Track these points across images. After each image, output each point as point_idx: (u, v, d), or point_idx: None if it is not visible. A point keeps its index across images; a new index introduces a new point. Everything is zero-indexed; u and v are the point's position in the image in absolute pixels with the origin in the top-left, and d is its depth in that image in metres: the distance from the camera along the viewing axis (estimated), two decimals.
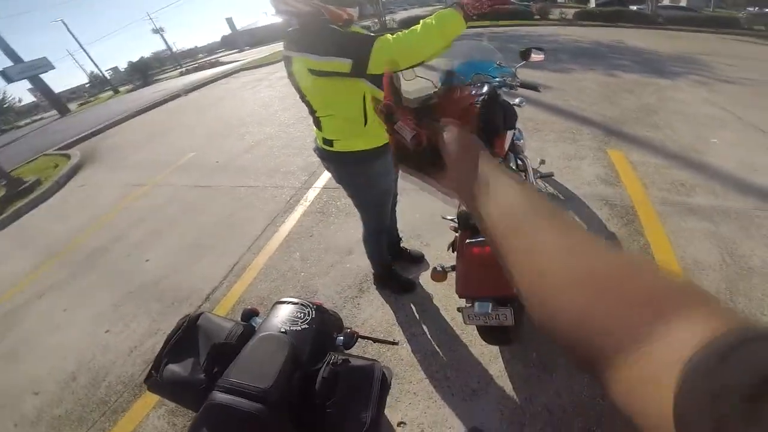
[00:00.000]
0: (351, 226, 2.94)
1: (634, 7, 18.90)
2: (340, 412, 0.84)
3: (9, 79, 22.88)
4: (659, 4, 17.35)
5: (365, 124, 1.54)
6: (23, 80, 24.04)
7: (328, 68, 1.37)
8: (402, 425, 1.63)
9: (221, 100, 9.91)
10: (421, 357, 1.89)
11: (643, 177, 2.95)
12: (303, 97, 1.59)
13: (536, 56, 2.14)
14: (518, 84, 2.09)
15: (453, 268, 1.62)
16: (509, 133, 2.10)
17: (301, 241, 2.98)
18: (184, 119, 8.76)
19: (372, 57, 1.30)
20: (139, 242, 3.67)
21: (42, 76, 23.99)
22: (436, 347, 1.92)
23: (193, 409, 0.88)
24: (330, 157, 1.69)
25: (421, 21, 1.32)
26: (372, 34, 1.36)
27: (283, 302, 1.07)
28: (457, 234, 1.68)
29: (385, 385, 0.90)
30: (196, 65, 29.98)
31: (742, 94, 4.93)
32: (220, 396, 0.80)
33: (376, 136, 1.60)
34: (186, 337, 1.06)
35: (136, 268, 3.27)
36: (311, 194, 3.62)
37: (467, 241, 1.47)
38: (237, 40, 46.56)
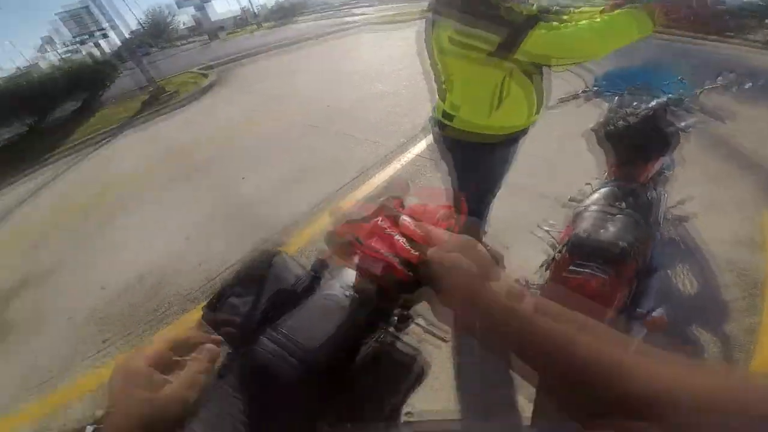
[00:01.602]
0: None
1: None
2: (367, 391, 0.78)
3: (180, 5, 26.78)
4: None
5: (497, 107, 1.39)
6: (190, 7, 27.85)
7: (471, 41, 1.23)
8: (409, 415, 1.54)
9: (347, 50, 10.17)
10: (460, 359, 1.77)
11: None
12: (434, 65, 1.48)
13: (735, 85, 1.61)
14: (696, 107, 1.69)
15: (538, 288, 1.41)
16: (661, 160, 1.75)
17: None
18: (310, 62, 9.19)
19: (527, 42, 1.16)
20: (243, 163, 4.07)
21: (205, 5, 27.66)
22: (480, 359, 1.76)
23: (234, 346, 0.88)
24: (446, 131, 1.57)
25: (600, 16, 1.17)
26: (534, 15, 1.18)
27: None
28: (555, 254, 1.46)
29: (419, 380, 0.83)
30: (332, 12, 31.15)
31: None
32: (265, 343, 0.78)
33: (503, 122, 1.46)
34: (256, 273, 1.06)
35: (233, 185, 3.63)
36: (406, 158, 3.56)
37: (571, 267, 1.25)
38: None
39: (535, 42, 1.15)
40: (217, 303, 1.00)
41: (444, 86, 1.50)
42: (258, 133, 4.80)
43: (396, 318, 0.96)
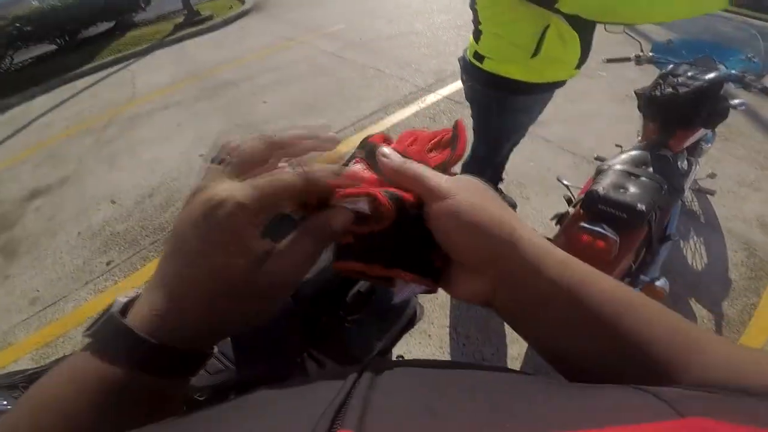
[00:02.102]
0: None
1: None
2: (356, 331, 0.81)
3: None
4: None
5: (533, 55, 1.29)
6: None
7: None
8: (400, 358, 1.65)
9: None
10: (456, 307, 1.82)
11: None
12: (473, 5, 1.38)
13: None
14: (759, 87, 1.56)
15: (548, 240, 1.44)
16: (701, 132, 1.67)
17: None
18: None
19: None
20: (266, 86, 4.00)
21: None
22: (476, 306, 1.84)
23: None
24: (475, 72, 1.48)
25: None
26: None
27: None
28: (570, 209, 1.45)
29: (411, 322, 0.85)
30: None
31: None
32: None
33: (540, 71, 1.36)
34: None
35: (253, 106, 3.64)
36: (431, 98, 3.45)
37: (582, 224, 1.23)
38: None
39: None
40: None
41: (480, 27, 1.40)
42: (286, 60, 4.70)
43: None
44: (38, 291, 2.32)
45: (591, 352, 0.26)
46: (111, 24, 7.50)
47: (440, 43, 4.83)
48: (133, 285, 2.20)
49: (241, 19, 7.13)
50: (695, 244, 2.15)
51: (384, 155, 0.30)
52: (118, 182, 3.02)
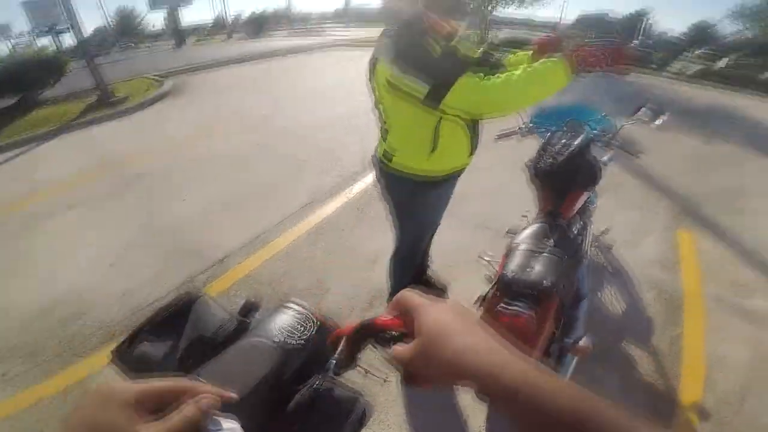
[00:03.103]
0: (385, 235, 2.77)
1: None
2: None
3: (154, 6, 25.82)
4: None
5: (432, 150, 1.43)
6: (163, 8, 26.98)
7: (404, 87, 1.27)
8: None
9: (310, 70, 10.27)
10: (409, 393, 1.77)
11: (705, 268, 2.64)
12: (377, 104, 1.51)
13: (649, 117, 1.87)
14: (618, 144, 1.85)
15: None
16: (585, 194, 1.87)
17: (330, 233, 2.91)
18: (271, 79, 9.11)
19: (452, 92, 1.18)
20: (185, 181, 3.81)
21: (179, 8, 26.86)
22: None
23: None
24: (386, 171, 1.59)
25: (522, 68, 1.19)
26: (460, 67, 1.20)
27: (288, 308, 0.99)
28: (490, 290, 1.52)
29: (361, 422, 0.81)
30: (305, 30, 31.45)
31: None
32: None
33: (441, 163, 1.50)
34: (176, 316, 0.99)
35: (170, 205, 3.38)
36: (357, 187, 3.54)
37: (500, 305, 1.31)
38: (347, 16, 47.70)
39: (463, 89, 1.18)
40: (128, 348, 0.93)
41: (385, 126, 1.54)
42: (205, 150, 4.57)
43: (334, 362, 0.94)
44: None
45: None
46: (13, 100, 6.89)
47: (364, 130, 5.06)
48: (32, 399, 1.87)
49: (158, 103, 6.94)
50: (611, 294, 2.36)
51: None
52: (11, 293, 2.59)
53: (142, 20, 46.65)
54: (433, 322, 0.38)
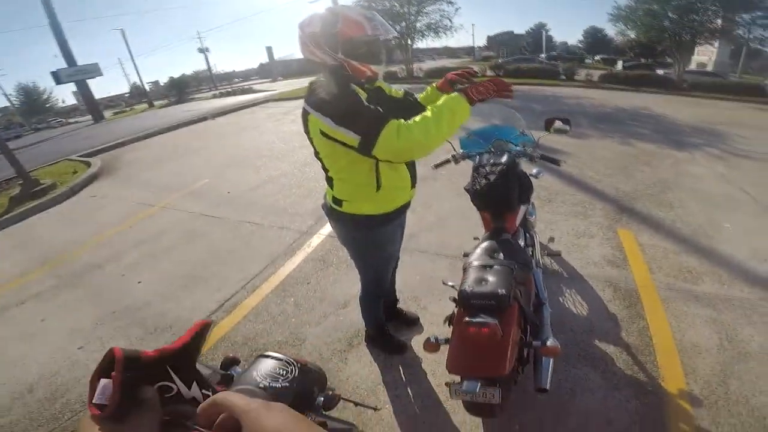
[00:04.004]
0: (350, 279, 2.88)
1: (661, 71, 18.96)
2: None
3: (59, 81, 24.13)
4: (686, 69, 17.15)
5: (377, 189, 1.52)
6: (71, 83, 25.28)
7: (338, 137, 1.31)
8: None
9: (244, 129, 10.27)
10: (402, 420, 1.81)
11: (651, 261, 2.91)
12: (316, 154, 1.54)
13: (560, 127, 2.11)
14: (539, 156, 2.08)
15: (446, 341, 1.56)
16: (522, 208, 2.07)
17: (297, 287, 2.91)
18: (205, 144, 9.00)
19: (379, 142, 1.24)
20: (136, 263, 3.63)
21: (88, 81, 25.34)
22: (418, 411, 1.84)
23: None
24: (338, 216, 1.65)
25: (429, 108, 1.30)
26: (385, 115, 1.27)
27: (267, 356, 1.02)
28: (455, 309, 1.61)
29: None
30: (230, 89, 31.08)
31: (760, 171, 4.89)
32: None
33: (387, 201, 1.58)
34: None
35: (127, 288, 3.22)
36: (315, 240, 3.58)
37: (465, 319, 1.42)
38: (273, 70, 48.39)
39: (388, 138, 1.23)
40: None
41: (329, 174, 1.58)
42: (152, 229, 4.38)
43: (322, 399, 0.96)
44: None
45: None
46: None
47: (309, 180, 5.17)
48: None
49: (90, 186, 6.59)
50: (571, 297, 2.54)
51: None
52: None
53: (49, 96, 44.11)
54: (272, 428, 0.33)
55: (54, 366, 2.42)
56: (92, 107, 25.54)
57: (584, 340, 2.15)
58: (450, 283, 1.88)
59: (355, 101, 1.29)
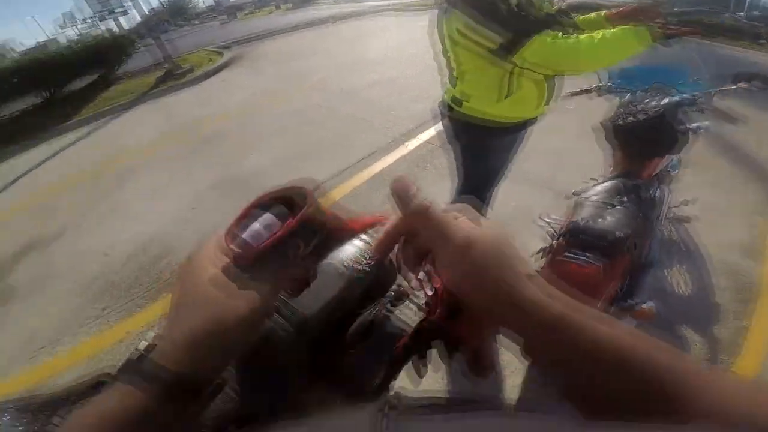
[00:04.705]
0: (440, 187, 2.79)
1: None
2: (358, 361, 0.81)
3: None
4: None
5: (506, 96, 1.42)
6: None
7: (476, 37, 1.27)
8: (396, 393, 1.60)
9: (364, 34, 10.05)
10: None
11: None
12: (445, 52, 1.51)
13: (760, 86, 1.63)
14: (709, 108, 1.69)
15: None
16: (666, 158, 1.77)
17: (387, 184, 2.98)
18: (326, 44, 9.14)
19: (528, 47, 1.19)
20: (252, 138, 4.13)
21: None
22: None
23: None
24: (454, 116, 1.59)
25: (602, 32, 1.19)
26: (538, 23, 1.21)
27: (358, 236, 1.06)
28: (553, 241, 1.50)
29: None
30: None
31: None
32: None
33: (512, 110, 1.49)
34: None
35: (242, 160, 3.71)
36: (413, 143, 3.58)
37: (566, 254, 1.29)
38: None
39: (534, 51, 1.19)
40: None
41: (454, 74, 1.52)
42: (269, 111, 4.86)
43: (393, 293, 1.00)
44: (33, 334, 2.31)
45: (596, 387, 0.27)
46: (95, 77, 7.66)
47: (419, 88, 5.01)
48: (127, 329, 2.20)
49: (221, 72, 7.39)
50: (679, 272, 2.19)
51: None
52: (110, 235, 3.04)
53: None
54: (488, 234, 0.32)
55: (168, 223, 2.92)
56: (227, 8, 27.62)
57: (670, 318, 1.90)
58: (547, 219, 1.73)
59: (503, 2, 1.23)
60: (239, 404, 0.46)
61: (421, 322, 0.40)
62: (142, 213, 3.20)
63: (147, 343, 0.30)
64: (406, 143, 3.59)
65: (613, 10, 1.53)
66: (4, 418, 0.57)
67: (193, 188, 3.37)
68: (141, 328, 2.19)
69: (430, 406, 0.31)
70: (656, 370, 0.25)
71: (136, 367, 0.28)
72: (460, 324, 0.34)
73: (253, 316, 0.31)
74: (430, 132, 3.69)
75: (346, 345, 0.82)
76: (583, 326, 0.27)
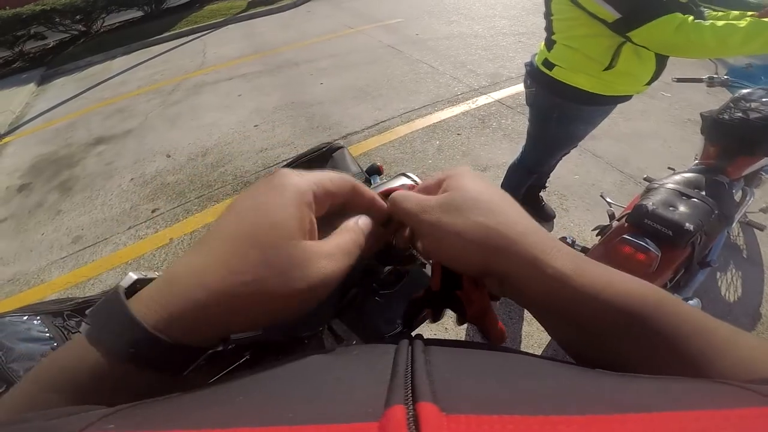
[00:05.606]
0: (501, 148, 2.77)
1: None
2: (383, 306, 0.84)
3: None
4: None
5: (607, 68, 1.33)
6: None
7: (591, 8, 1.19)
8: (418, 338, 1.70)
9: None
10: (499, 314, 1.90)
11: None
12: (548, 15, 1.41)
13: None
14: None
15: (583, 249, 1.43)
16: (763, 161, 1.63)
17: (447, 134, 2.96)
18: None
19: (650, 27, 1.11)
20: (324, 69, 4.22)
21: None
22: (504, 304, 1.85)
23: None
24: (542, 79, 1.51)
25: (735, 22, 1.09)
26: (669, 4, 1.11)
27: (407, 176, 1.09)
28: (612, 222, 1.48)
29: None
30: None
31: None
32: None
33: (609, 84, 1.38)
34: (317, 162, 1.13)
35: (309, 87, 3.84)
36: (482, 100, 3.43)
37: (625, 236, 1.25)
38: None
39: (665, 26, 1.10)
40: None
41: (553, 37, 1.43)
42: (345, 46, 4.88)
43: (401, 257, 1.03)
44: (82, 230, 2.55)
45: (613, 348, 0.26)
46: None
47: (499, 48, 4.73)
48: (172, 236, 2.37)
49: (308, 3, 7.52)
50: (732, 277, 2.07)
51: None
52: (176, 139, 3.31)
53: None
54: (472, 184, 0.29)
55: (230, 136, 3.11)
56: None
57: None
58: (609, 199, 1.69)
59: None
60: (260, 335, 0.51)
61: (423, 290, 0.39)
62: (208, 123, 3.45)
63: (136, 278, 0.25)
64: (474, 99, 3.46)
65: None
66: (35, 322, 0.59)
67: (259, 107, 3.55)
68: (184, 235, 2.34)
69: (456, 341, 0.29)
70: (681, 327, 0.24)
71: (119, 322, 0.22)
72: (455, 293, 0.34)
73: (319, 295, 0.25)
74: (503, 93, 3.52)
75: (375, 287, 0.88)
76: (587, 285, 0.26)
